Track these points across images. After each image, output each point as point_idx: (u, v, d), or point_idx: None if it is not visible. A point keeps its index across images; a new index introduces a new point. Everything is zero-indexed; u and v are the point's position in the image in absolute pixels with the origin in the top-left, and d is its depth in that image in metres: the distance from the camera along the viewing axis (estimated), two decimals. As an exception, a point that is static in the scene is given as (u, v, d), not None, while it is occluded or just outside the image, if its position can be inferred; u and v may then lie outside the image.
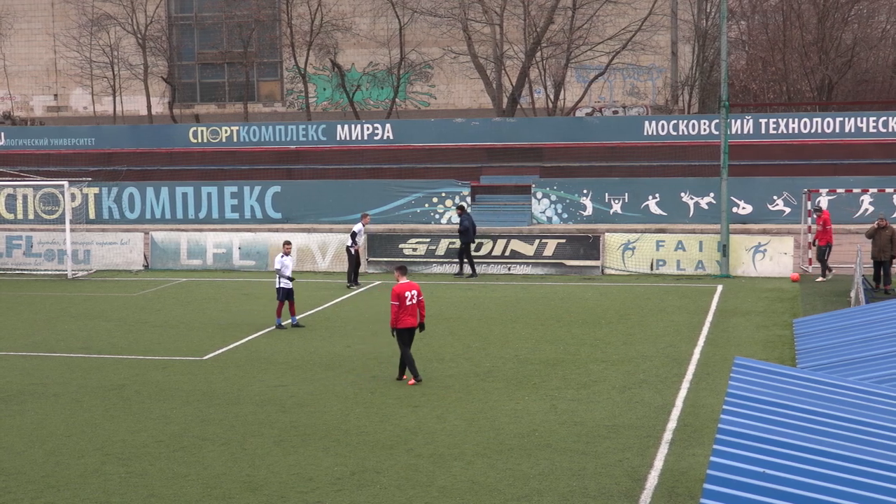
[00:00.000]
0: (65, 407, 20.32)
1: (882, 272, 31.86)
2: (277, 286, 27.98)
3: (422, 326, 22.08)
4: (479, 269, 37.96)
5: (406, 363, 21.84)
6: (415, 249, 38.80)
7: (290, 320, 28.30)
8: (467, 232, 37.49)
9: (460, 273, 37.56)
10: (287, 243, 28.89)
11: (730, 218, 38.45)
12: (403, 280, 21.97)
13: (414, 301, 21.75)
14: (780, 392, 14.58)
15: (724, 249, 35.94)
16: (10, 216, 51.43)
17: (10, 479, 16.12)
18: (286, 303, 28.11)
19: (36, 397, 21.10)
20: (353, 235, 35.73)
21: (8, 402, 20.77)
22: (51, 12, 72.60)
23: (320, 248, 39.36)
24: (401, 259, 37.80)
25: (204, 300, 33.50)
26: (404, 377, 21.92)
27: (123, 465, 16.63)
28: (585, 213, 48.77)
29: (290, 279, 28.06)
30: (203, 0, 72.51)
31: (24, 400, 20.90)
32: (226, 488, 15.54)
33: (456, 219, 47.15)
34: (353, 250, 35.48)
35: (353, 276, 35.46)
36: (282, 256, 28.13)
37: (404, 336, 21.78)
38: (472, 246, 37.91)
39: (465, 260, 37.64)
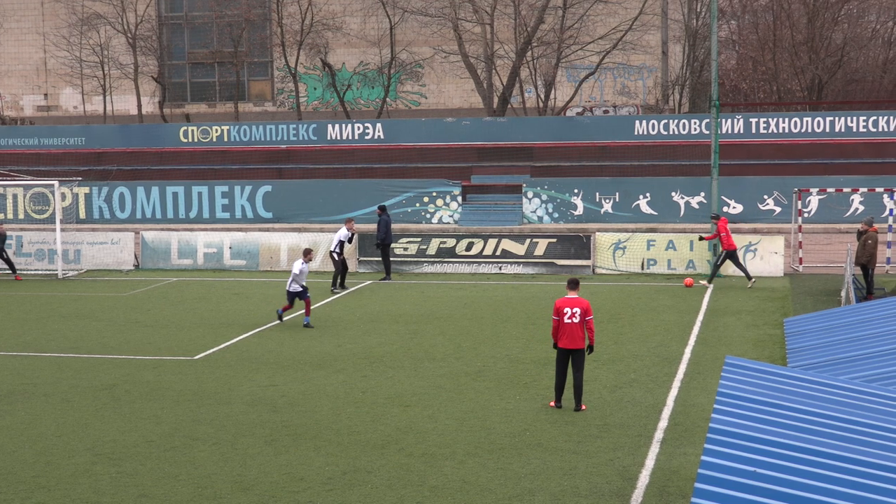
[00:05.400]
0: (55, 407, 20.28)
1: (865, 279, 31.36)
2: (289, 290, 27.93)
3: (590, 349, 19.65)
4: (470, 269, 37.95)
5: (556, 384, 19.64)
6: (405, 249, 38.78)
7: (280, 313, 28.54)
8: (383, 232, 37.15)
9: (388, 276, 37.22)
10: (309, 251, 28.97)
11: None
12: (571, 294, 19.50)
13: (576, 319, 19.23)
14: (771, 391, 14.60)
15: (714, 249, 35.96)
16: (0, 216, 51.33)
17: (0, 479, 16.08)
18: (290, 302, 28.27)
19: (26, 397, 21.06)
20: (341, 245, 35.26)
21: (-2, 402, 20.74)
22: (40, 11, 72.46)
23: (311, 247, 39.28)
24: (392, 259, 37.76)
25: (195, 300, 33.45)
26: (576, 409, 19.42)
27: (114, 465, 16.60)
28: (576, 213, 48.81)
29: (304, 287, 28.21)
30: (193, -1, 72.48)
31: (15, 400, 20.85)
32: (217, 488, 15.53)
33: (446, 218, 47.21)
34: (336, 255, 35.11)
35: (341, 279, 35.12)
36: (303, 263, 28.12)
37: (562, 357, 19.53)
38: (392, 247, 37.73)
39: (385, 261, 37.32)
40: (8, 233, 39.94)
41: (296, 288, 27.95)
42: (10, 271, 38.64)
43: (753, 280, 34.43)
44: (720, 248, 34.67)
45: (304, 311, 28.39)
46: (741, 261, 34.94)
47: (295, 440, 17.75)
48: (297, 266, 28.00)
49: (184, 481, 15.84)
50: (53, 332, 28.30)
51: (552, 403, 19.67)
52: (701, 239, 36.01)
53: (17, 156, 55.50)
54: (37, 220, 48.92)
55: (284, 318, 28.68)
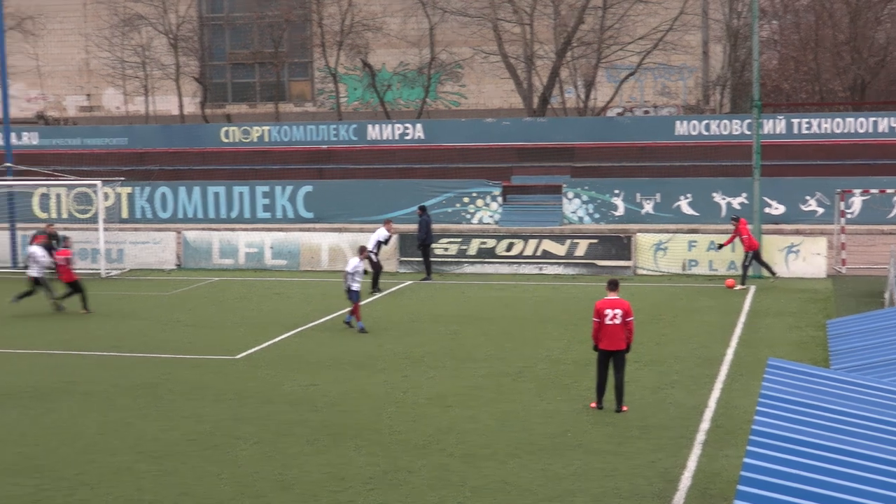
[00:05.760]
0: (98, 405, 20.42)
1: None
2: (349, 288, 27.33)
3: (627, 349, 19.60)
4: (511, 270, 37.94)
5: (597, 385, 19.60)
6: (446, 249, 38.79)
7: (349, 319, 27.74)
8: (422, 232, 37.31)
9: (428, 276, 37.25)
10: (364, 248, 28.94)
11: (762, 218, 38.27)
12: (611, 296, 19.53)
13: (617, 321, 19.25)
14: (814, 393, 14.51)
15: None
16: (44, 215, 51.72)
17: (43, 476, 16.21)
18: (354, 298, 27.50)
19: (69, 395, 21.21)
20: (378, 246, 35.18)
21: (42, 399, 20.90)
22: (83, 13, 72.95)
23: (351, 247, 39.36)
24: (432, 259, 37.75)
25: (236, 299, 33.58)
26: (618, 411, 19.36)
27: (156, 463, 16.70)
28: (617, 214, 48.65)
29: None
30: (234, 0, 72.72)
31: (58, 398, 21.02)
32: (258, 487, 15.58)
33: (486, 219, 47.22)
34: (373, 256, 35.02)
35: (376, 282, 35.10)
36: (359, 261, 27.80)
37: (603, 358, 19.47)
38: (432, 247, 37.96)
39: (425, 261, 37.43)
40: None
41: (356, 286, 27.30)
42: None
43: (777, 276, 34.76)
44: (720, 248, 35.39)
45: (349, 309, 27.93)
46: (764, 259, 35.04)
47: (336, 440, 17.79)
48: (352, 263, 27.60)
49: (225, 480, 15.91)
50: (96, 330, 28.49)
51: (593, 405, 19.63)
52: (720, 247, 35.94)
53: (61, 156, 55.88)
54: (80, 220, 49.22)
55: (347, 319, 27.78)
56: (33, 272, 31.89)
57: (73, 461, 16.92)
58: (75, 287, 31.58)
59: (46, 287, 31.73)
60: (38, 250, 32.06)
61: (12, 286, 37.82)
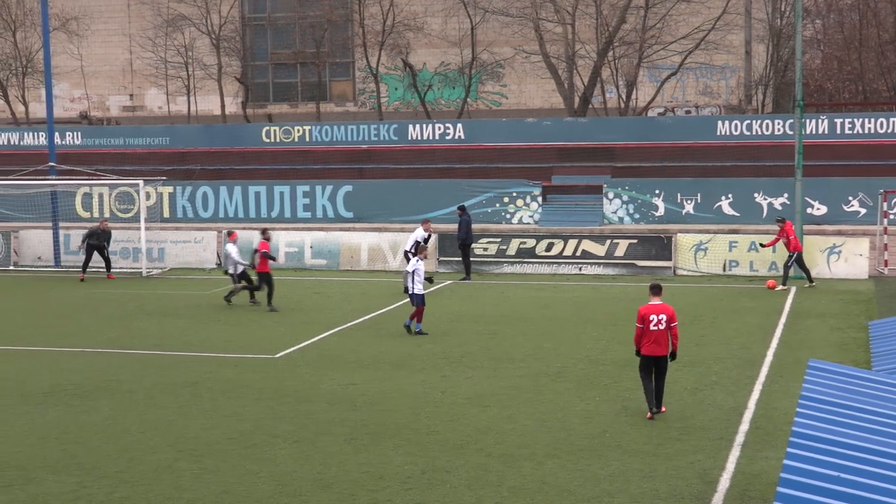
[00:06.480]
0: (139, 403, 20.55)
1: None
2: (412, 292, 26.92)
3: (673, 356, 19.13)
4: (550, 270, 37.90)
5: (645, 392, 19.13)
6: (486, 249, 38.80)
7: (412, 326, 27.15)
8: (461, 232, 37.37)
9: (467, 276, 37.26)
10: (423, 249, 28.61)
11: (804, 219, 38.04)
12: (655, 300, 19.10)
13: (662, 326, 18.81)
14: (855, 395, 14.44)
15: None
16: (87, 214, 52.09)
17: (85, 474, 16.33)
18: (421, 303, 26.94)
19: (111, 393, 21.36)
20: (417, 245, 35.09)
21: (83, 398, 21.05)
22: (127, 13, 73.47)
23: (391, 247, 39.48)
24: (472, 259, 37.75)
25: (275, 298, 33.68)
26: (657, 412, 19.03)
27: (196, 462, 16.79)
28: (657, 214, 48.43)
29: (430, 279, 27.70)
30: (276, 1, 73.02)
31: (99, 396, 21.17)
32: (297, 486, 15.64)
33: (526, 219, 47.15)
34: (410, 256, 34.93)
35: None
36: (418, 260, 27.32)
37: (647, 364, 19.08)
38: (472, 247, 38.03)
39: (465, 261, 37.46)
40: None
41: (419, 289, 26.86)
42: (105, 269, 39.26)
43: (813, 284, 34.45)
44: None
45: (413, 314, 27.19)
46: (806, 263, 34.86)
47: (374, 439, 17.83)
48: (411, 264, 27.26)
49: (264, 478, 15.98)
50: (137, 329, 28.68)
51: (648, 416, 18.90)
52: (762, 247, 35.83)
53: (104, 155, 56.21)
54: (122, 219, 49.55)
55: (417, 327, 27.04)
56: (231, 270, 32.56)
57: (114, 459, 17.05)
58: (266, 280, 31.74)
59: (244, 282, 32.36)
60: (233, 249, 32.54)
61: (54, 285, 38.21)
